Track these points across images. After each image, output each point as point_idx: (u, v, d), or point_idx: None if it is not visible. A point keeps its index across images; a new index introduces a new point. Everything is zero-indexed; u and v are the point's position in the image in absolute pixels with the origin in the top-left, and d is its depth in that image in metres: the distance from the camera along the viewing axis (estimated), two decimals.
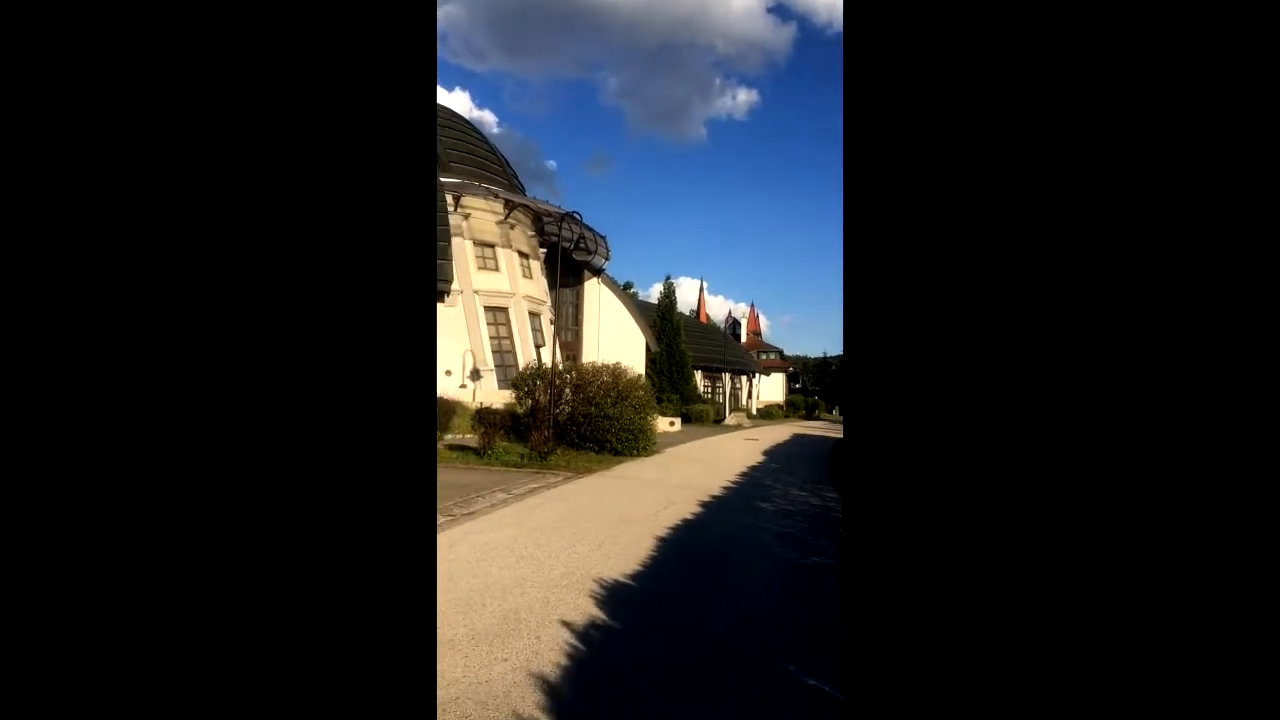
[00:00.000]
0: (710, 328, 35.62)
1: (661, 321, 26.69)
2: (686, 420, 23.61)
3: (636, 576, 4.27)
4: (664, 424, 19.64)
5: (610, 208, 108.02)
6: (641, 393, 12.32)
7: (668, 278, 30.28)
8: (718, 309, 36.12)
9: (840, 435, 19.91)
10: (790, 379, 45.35)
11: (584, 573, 4.26)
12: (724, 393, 30.41)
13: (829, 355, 58.84)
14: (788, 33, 74.22)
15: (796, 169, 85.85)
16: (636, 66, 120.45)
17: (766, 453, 13.83)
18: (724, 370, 30.22)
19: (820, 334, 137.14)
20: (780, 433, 21.11)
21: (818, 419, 34.37)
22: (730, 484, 8.78)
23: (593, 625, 3.35)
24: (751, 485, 8.83)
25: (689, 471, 9.99)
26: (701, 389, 28.53)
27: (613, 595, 3.83)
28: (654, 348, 24.05)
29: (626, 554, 4.79)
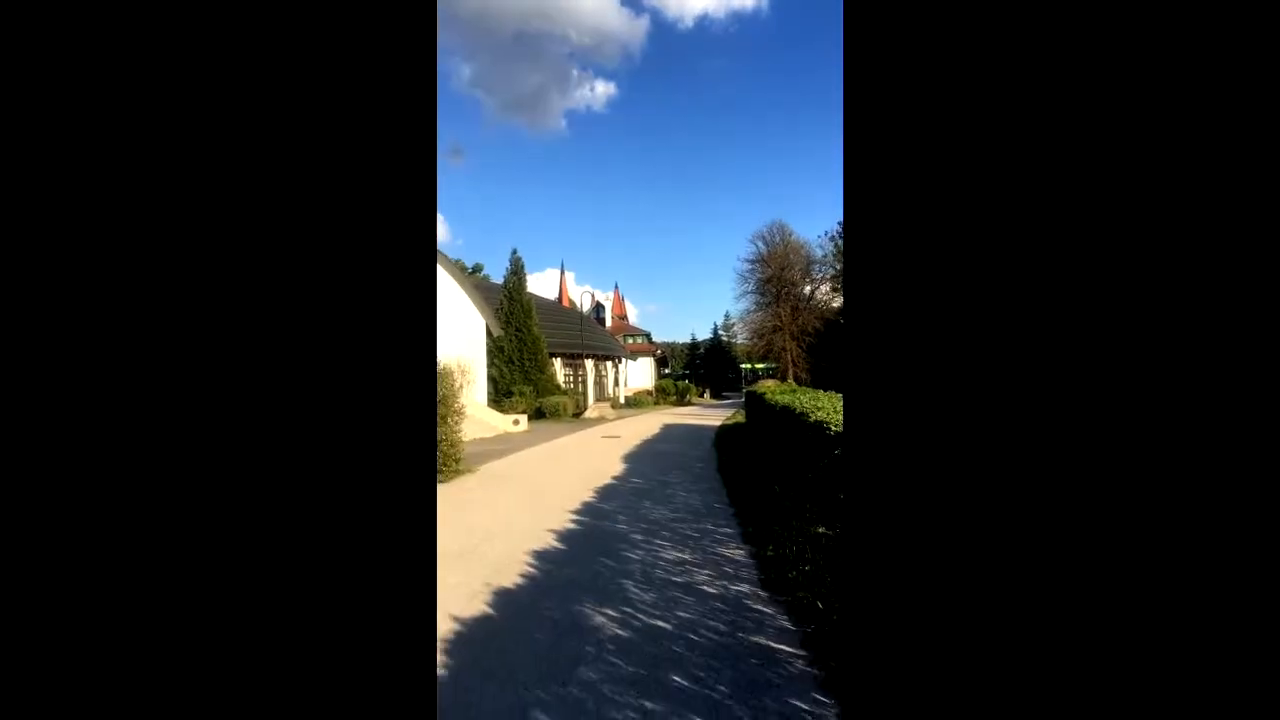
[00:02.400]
0: (571, 311, 31.61)
1: (509, 303, 22.14)
2: (540, 415, 19.57)
3: None
4: (505, 424, 15.50)
5: (470, 199, 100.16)
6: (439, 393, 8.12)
7: (514, 251, 25.43)
8: (581, 297, 32.15)
9: (717, 422, 17.06)
10: (659, 364, 42.61)
11: None
12: (587, 381, 26.63)
13: (697, 339, 57.37)
14: (641, 25, 72.91)
15: (657, 162, 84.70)
16: (490, 55, 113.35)
17: (629, 457, 10.16)
18: (586, 356, 26.42)
19: (686, 322, 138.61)
20: (648, 425, 17.66)
21: (689, 404, 31.71)
22: (549, 544, 4.88)
23: None
24: (590, 540, 4.98)
25: (488, 516, 5.95)
26: (562, 378, 24.48)
27: None
28: (496, 332, 19.58)
29: None
